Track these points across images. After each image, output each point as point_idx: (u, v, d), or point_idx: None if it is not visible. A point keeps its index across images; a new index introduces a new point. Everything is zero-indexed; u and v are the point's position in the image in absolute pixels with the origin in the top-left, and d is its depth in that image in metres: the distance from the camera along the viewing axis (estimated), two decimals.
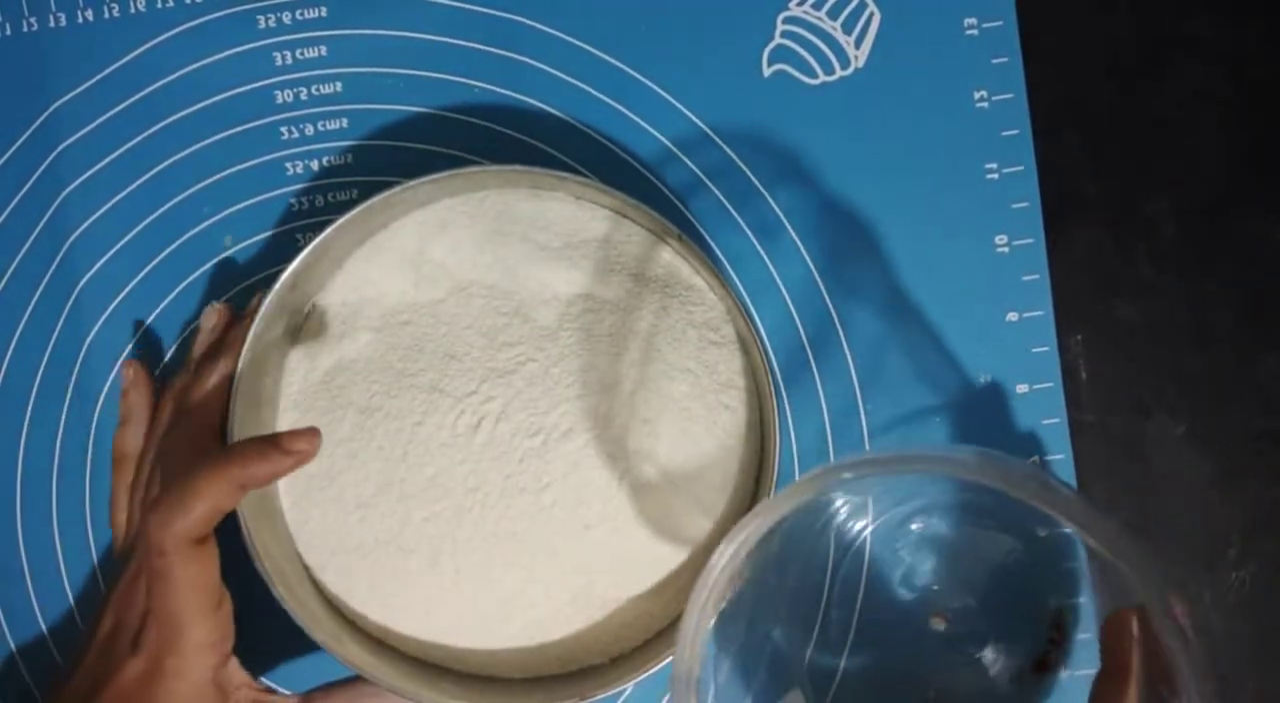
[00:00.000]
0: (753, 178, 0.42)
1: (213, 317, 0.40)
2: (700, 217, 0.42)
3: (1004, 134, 0.42)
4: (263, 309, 0.37)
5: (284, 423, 0.40)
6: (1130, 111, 0.42)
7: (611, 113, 0.42)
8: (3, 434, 0.42)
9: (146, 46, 0.43)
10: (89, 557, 0.42)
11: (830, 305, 0.41)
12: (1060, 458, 0.41)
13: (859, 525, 0.39)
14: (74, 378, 0.42)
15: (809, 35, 0.42)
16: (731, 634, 0.35)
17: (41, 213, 0.42)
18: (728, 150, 0.42)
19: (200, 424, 0.38)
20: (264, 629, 0.41)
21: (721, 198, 0.42)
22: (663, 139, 0.42)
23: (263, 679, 0.42)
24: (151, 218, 0.42)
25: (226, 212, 0.42)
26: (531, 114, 0.42)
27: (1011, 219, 0.42)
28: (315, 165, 0.43)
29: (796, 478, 0.40)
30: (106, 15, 0.43)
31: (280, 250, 0.42)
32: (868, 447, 0.41)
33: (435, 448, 0.38)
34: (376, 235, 0.40)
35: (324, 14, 0.43)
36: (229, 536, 0.40)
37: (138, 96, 0.42)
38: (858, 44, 0.42)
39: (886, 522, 0.39)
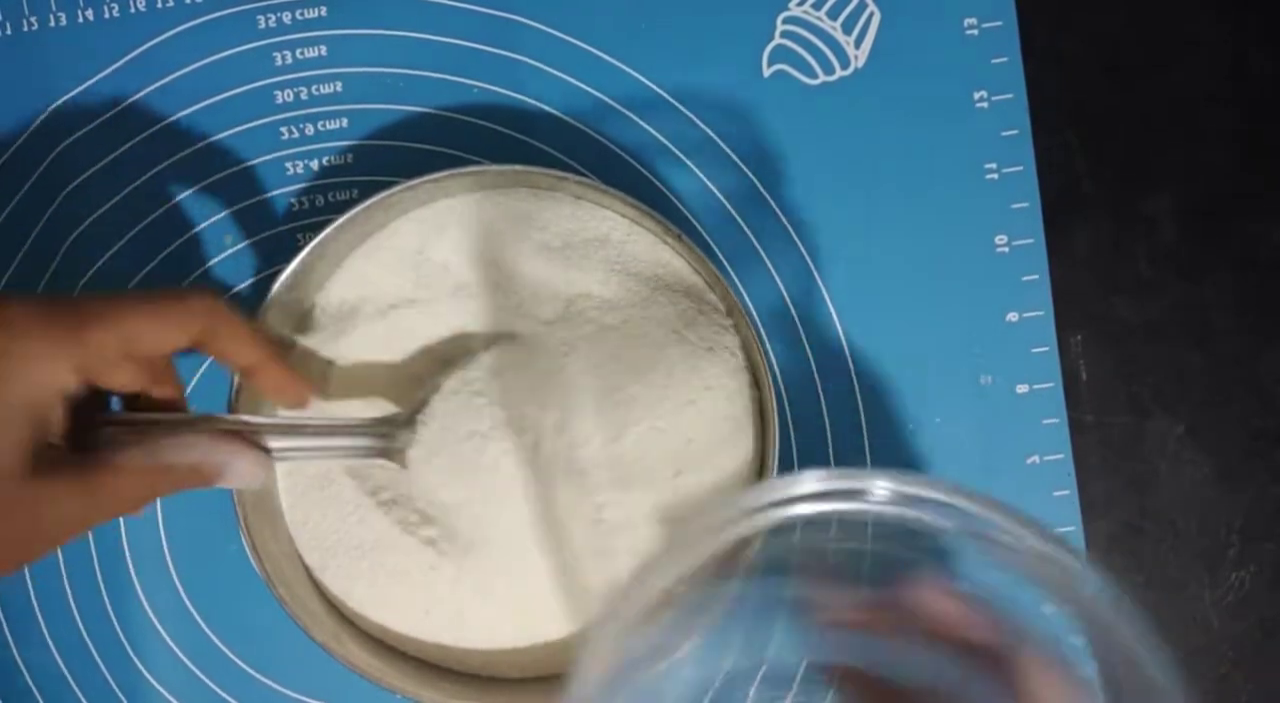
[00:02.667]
0: (753, 178, 0.42)
1: None
2: (700, 217, 0.42)
3: (1004, 134, 0.42)
4: (262, 309, 0.37)
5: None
6: (1130, 111, 0.42)
7: (612, 113, 0.42)
8: None
9: (146, 46, 0.43)
10: (89, 557, 0.42)
11: (830, 305, 0.41)
12: (1060, 458, 0.41)
13: None
14: None
15: (809, 35, 0.42)
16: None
17: (41, 212, 0.42)
18: (728, 150, 0.42)
19: None
20: (264, 629, 0.41)
21: (721, 198, 0.42)
22: (662, 139, 0.42)
23: (260, 677, 0.42)
24: (151, 218, 0.42)
25: (226, 212, 0.42)
26: (531, 114, 0.42)
27: (1011, 219, 0.42)
28: (315, 165, 0.43)
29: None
30: (106, 15, 0.43)
31: (280, 250, 0.42)
32: (867, 447, 0.41)
33: None
34: (376, 235, 0.40)
35: (324, 14, 0.43)
36: (228, 535, 0.41)
37: (138, 96, 0.42)
38: (858, 44, 0.42)
39: None
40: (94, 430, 0.31)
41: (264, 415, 0.36)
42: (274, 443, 0.34)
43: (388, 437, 0.36)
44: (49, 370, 0.28)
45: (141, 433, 0.32)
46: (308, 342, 0.40)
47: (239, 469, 0.33)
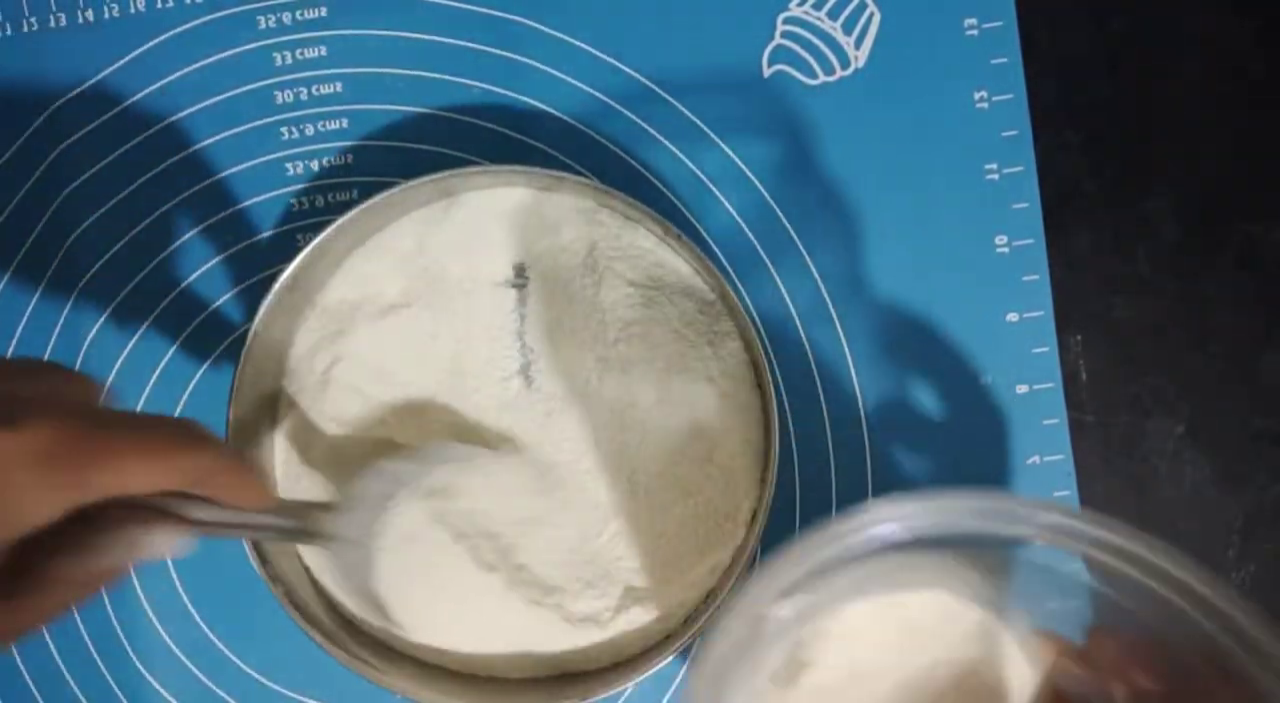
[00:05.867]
0: (753, 178, 0.42)
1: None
2: (700, 217, 0.42)
3: (1004, 134, 0.42)
4: (262, 309, 0.37)
5: (283, 425, 0.40)
6: (1130, 111, 0.42)
7: (612, 113, 0.42)
8: None
9: (146, 46, 0.43)
10: None
11: (830, 305, 0.41)
12: (1060, 458, 0.41)
13: None
14: None
15: (809, 35, 0.42)
16: None
17: (41, 213, 0.42)
18: (728, 150, 0.42)
19: None
20: (264, 629, 0.41)
21: (721, 198, 0.42)
22: (662, 139, 0.42)
23: (260, 677, 0.42)
24: (152, 218, 0.42)
25: (226, 212, 0.42)
26: (531, 114, 0.42)
27: (1011, 219, 0.42)
28: (315, 165, 0.43)
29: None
30: (106, 15, 0.43)
31: (280, 250, 0.42)
32: (867, 446, 0.41)
33: None
34: (376, 236, 0.40)
35: (324, 14, 0.43)
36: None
37: (138, 96, 0.42)
38: (858, 44, 0.42)
39: None
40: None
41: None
42: (196, 513, 0.29)
43: (309, 520, 0.34)
44: (31, 510, 0.24)
45: (70, 534, 0.26)
46: (307, 342, 0.40)
47: (158, 549, 0.28)
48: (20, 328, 0.42)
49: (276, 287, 0.37)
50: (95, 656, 0.42)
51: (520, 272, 0.39)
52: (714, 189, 0.42)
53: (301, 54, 0.43)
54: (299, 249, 0.37)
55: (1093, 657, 0.30)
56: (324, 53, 0.43)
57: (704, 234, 0.42)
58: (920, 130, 0.42)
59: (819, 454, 0.41)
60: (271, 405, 0.40)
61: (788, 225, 0.42)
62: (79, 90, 0.43)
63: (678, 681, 0.41)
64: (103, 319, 0.42)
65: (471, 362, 0.39)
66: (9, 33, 0.43)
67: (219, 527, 0.30)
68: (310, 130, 0.43)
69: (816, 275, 0.42)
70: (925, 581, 0.33)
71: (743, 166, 0.42)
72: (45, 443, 0.24)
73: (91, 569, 0.27)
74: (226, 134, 0.42)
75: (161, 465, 0.26)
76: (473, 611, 0.38)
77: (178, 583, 0.42)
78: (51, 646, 0.42)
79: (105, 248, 0.42)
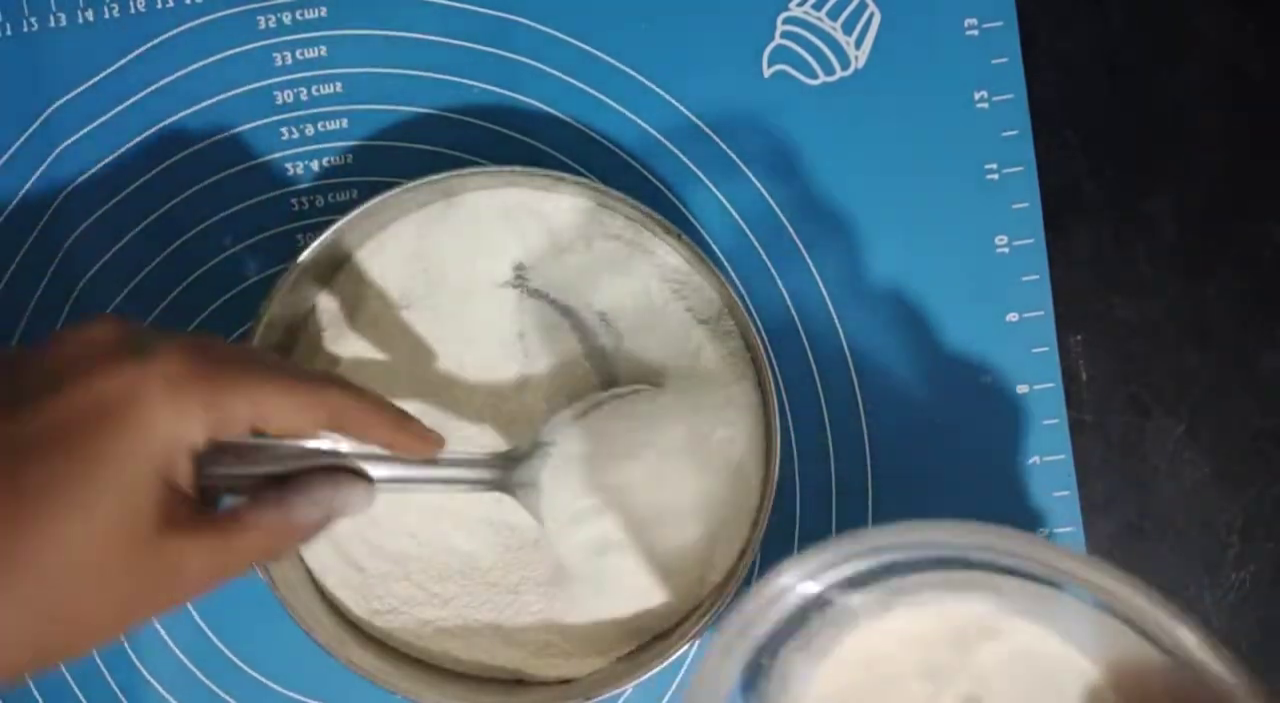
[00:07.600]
0: (753, 178, 0.42)
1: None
2: (700, 216, 0.42)
3: (1004, 134, 0.42)
4: (262, 311, 0.37)
5: None
6: (1130, 111, 0.42)
7: (611, 113, 0.42)
8: None
9: (146, 46, 0.43)
10: None
11: (830, 306, 0.41)
12: (1060, 458, 0.41)
13: None
14: None
15: (809, 35, 0.42)
16: None
17: (41, 213, 0.42)
18: (728, 150, 0.42)
19: None
20: (264, 630, 0.41)
21: (721, 198, 0.42)
22: (662, 139, 0.42)
23: (260, 677, 0.42)
24: (151, 218, 0.42)
25: (226, 212, 0.42)
26: (531, 114, 0.42)
27: (1011, 219, 0.42)
28: (315, 165, 0.43)
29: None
30: (106, 15, 0.43)
31: (280, 250, 0.42)
32: (867, 445, 0.41)
33: None
34: (377, 236, 0.40)
35: (324, 14, 0.43)
36: None
37: (138, 96, 0.42)
38: (858, 44, 0.42)
39: None
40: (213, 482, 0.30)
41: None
42: (378, 472, 0.33)
43: (504, 470, 0.35)
44: (182, 429, 0.27)
45: (274, 490, 0.31)
46: (309, 345, 0.40)
47: (351, 505, 0.32)
48: (20, 328, 0.42)
49: (277, 288, 0.37)
50: (95, 656, 0.42)
51: (520, 272, 0.39)
52: (714, 189, 0.42)
53: (301, 54, 0.43)
54: (299, 250, 0.37)
55: None
56: (324, 53, 0.43)
57: (704, 234, 0.42)
58: (920, 130, 0.42)
59: (818, 451, 0.41)
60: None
61: (787, 225, 0.42)
62: (79, 90, 0.43)
63: (677, 682, 0.41)
64: None
65: (471, 362, 0.39)
66: (9, 33, 0.43)
67: (400, 482, 0.33)
68: (310, 130, 0.43)
69: (816, 274, 0.42)
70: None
71: (743, 166, 0.42)
72: (174, 370, 0.27)
73: (292, 520, 0.30)
74: (226, 134, 0.42)
75: (294, 399, 0.29)
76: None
77: None
78: None
79: (105, 248, 0.42)
